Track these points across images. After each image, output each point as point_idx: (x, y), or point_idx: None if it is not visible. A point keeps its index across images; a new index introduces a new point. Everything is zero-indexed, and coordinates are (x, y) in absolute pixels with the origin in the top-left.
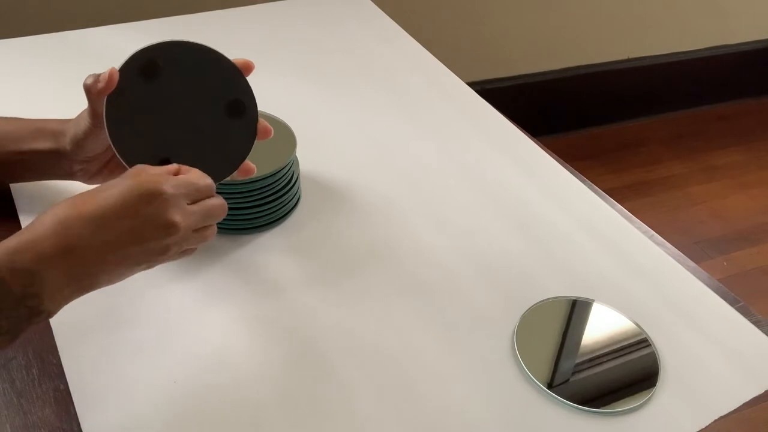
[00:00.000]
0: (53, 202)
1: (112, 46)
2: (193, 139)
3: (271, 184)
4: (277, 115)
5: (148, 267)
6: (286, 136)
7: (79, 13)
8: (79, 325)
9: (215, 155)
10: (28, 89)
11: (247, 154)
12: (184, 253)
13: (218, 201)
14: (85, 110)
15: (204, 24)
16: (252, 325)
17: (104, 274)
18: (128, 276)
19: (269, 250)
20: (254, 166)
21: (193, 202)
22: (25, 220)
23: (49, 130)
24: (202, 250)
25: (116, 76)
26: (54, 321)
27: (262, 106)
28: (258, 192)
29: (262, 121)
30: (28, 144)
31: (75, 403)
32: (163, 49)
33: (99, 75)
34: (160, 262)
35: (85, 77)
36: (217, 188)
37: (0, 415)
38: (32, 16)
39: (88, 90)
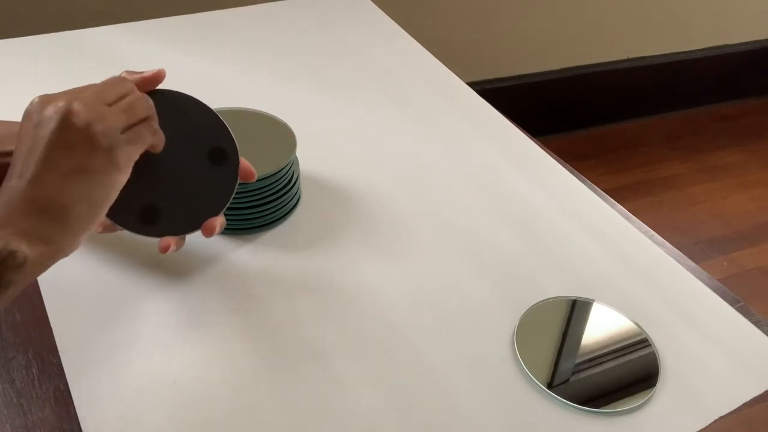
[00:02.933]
0: None
1: (112, 46)
2: (175, 185)
3: (271, 184)
4: (277, 115)
5: (107, 165)
6: (286, 136)
7: (79, 13)
8: (79, 326)
9: (198, 200)
10: (28, 89)
11: (230, 200)
12: (129, 135)
13: (135, 94)
14: None
15: (204, 24)
16: (252, 324)
17: (54, 193)
18: (100, 189)
19: (269, 250)
20: (254, 170)
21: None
22: None
23: None
24: (202, 250)
25: (163, 74)
26: (54, 321)
27: (262, 107)
28: (258, 192)
29: (245, 163)
30: (10, 145)
31: (75, 403)
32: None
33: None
34: (109, 152)
35: (122, 73)
36: None
37: (0, 415)
38: (32, 16)
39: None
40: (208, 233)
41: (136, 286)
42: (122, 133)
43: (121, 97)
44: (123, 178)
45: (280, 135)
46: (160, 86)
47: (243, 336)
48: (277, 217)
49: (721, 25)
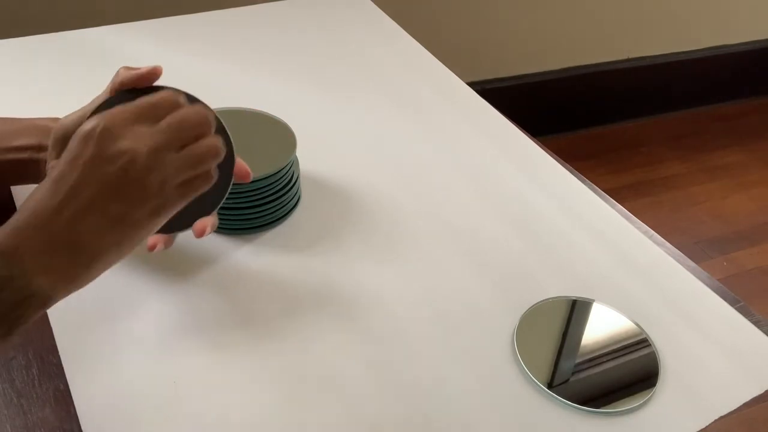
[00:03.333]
0: None
1: (112, 46)
2: None
3: (271, 184)
4: (277, 115)
5: (151, 217)
6: (286, 136)
7: (79, 13)
8: (79, 325)
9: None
10: (28, 89)
11: (223, 200)
12: (184, 188)
13: (209, 140)
14: (80, 109)
15: (204, 24)
16: (251, 324)
17: (92, 236)
18: (136, 237)
19: (269, 250)
20: (250, 171)
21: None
22: None
23: (37, 126)
24: (202, 250)
25: (160, 71)
26: (54, 321)
27: (262, 107)
28: (258, 192)
29: (240, 163)
30: (12, 141)
31: (75, 403)
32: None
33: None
34: (158, 206)
35: (117, 72)
36: None
37: (0, 415)
38: (32, 16)
39: (122, 78)
40: (199, 234)
41: (137, 287)
42: (177, 186)
43: (197, 138)
44: (162, 222)
45: (280, 135)
46: (158, 83)
47: (242, 336)
48: (277, 217)
49: (720, 25)
